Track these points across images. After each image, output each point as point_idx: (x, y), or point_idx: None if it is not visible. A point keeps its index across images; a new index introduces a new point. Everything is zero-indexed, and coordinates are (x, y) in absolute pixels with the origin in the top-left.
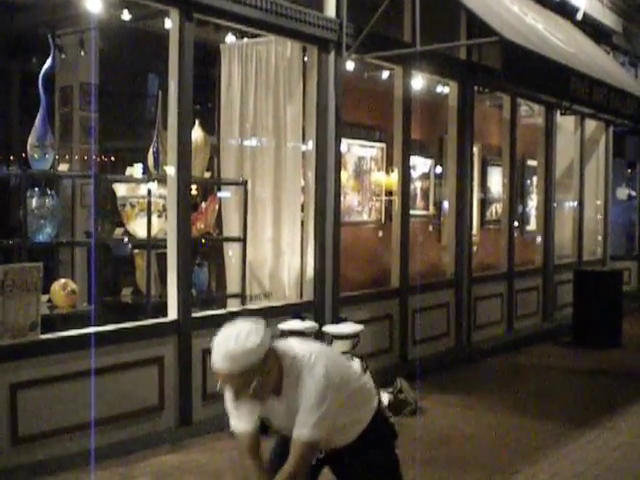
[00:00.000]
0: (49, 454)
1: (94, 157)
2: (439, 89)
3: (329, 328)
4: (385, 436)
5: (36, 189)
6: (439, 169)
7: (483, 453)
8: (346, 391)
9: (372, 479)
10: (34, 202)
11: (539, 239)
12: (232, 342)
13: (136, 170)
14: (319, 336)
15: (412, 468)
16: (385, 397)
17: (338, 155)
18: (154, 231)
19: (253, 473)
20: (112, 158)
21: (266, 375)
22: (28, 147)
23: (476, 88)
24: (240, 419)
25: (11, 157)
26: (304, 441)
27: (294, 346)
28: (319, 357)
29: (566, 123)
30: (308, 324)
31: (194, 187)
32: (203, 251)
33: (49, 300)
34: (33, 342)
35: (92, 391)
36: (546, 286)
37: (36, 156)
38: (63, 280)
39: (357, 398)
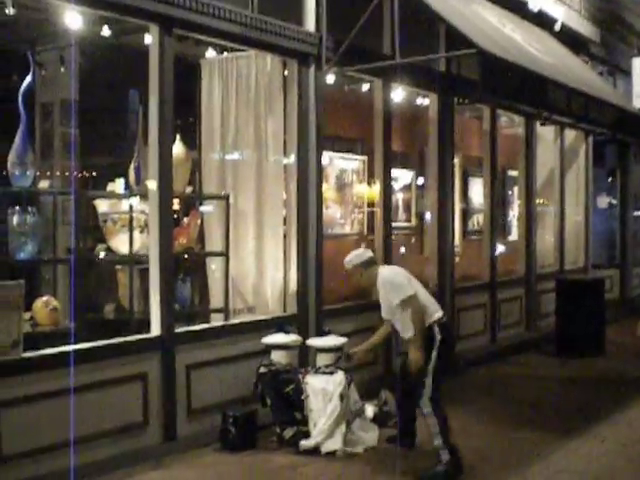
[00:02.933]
0: (34, 472)
1: (75, 173)
2: (419, 101)
3: (313, 341)
4: (430, 340)
5: (17, 207)
6: (421, 181)
7: (466, 464)
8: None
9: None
10: (15, 219)
11: (522, 249)
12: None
13: (118, 185)
14: (303, 349)
15: None
16: (370, 410)
17: (320, 168)
18: (136, 247)
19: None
20: (93, 174)
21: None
22: (8, 164)
23: (456, 100)
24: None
25: None
26: (402, 298)
27: (380, 267)
28: (389, 270)
29: (546, 133)
30: (292, 337)
31: (176, 202)
32: (186, 266)
33: (31, 318)
34: (15, 360)
35: (72, 409)
36: (529, 295)
37: (17, 173)
38: (45, 297)
39: (424, 299)
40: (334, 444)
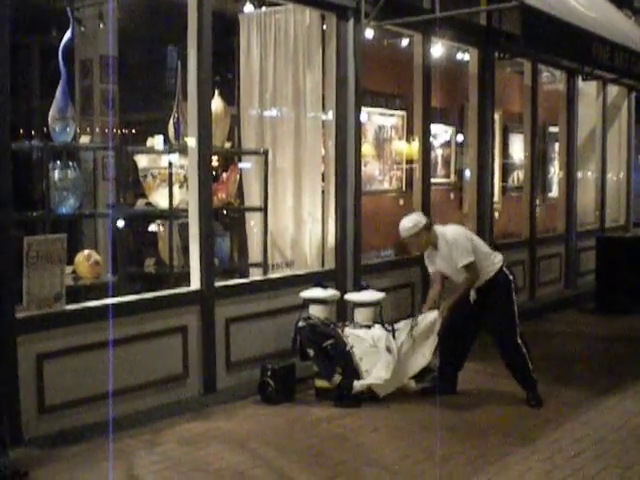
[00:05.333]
0: (75, 423)
1: (114, 129)
2: (459, 56)
3: (351, 296)
4: (505, 282)
5: (58, 162)
6: (460, 137)
7: (506, 419)
8: (473, 246)
9: (494, 305)
10: (56, 174)
11: (562, 206)
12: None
13: (157, 141)
14: (341, 304)
15: (435, 433)
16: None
17: (358, 124)
18: (176, 202)
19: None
20: (133, 130)
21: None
22: (49, 119)
23: (497, 54)
24: (429, 265)
25: (32, 131)
26: (465, 263)
27: (438, 227)
28: (453, 231)
29: (588, 89)
30: (330, 292)
31: (215, 158)
32: (225, 221)
33: (73, 271)
34: (58, 313)
35: (112, 361)
36: (568, 253)
37: (57, 129)
38: (87, 251)
39: (483, 254)
40: (385, 389)
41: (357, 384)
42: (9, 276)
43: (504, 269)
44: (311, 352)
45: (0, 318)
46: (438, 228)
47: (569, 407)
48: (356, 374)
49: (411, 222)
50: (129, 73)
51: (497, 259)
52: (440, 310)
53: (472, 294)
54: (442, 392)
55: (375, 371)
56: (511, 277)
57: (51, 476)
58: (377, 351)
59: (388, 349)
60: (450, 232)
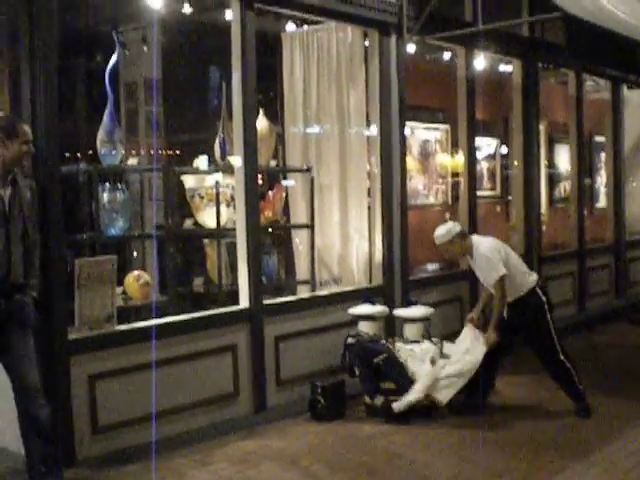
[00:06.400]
0: (128, 443)
1: (159, 150)
2: (502, 67)
3: (399, 312)
4: (536, 303)
5: (107, 184)
6: (505, 149)
7: (558, 434)
8: (506, 262)
9: (527, 325)
10: (105, 196)
11: (610, 216)
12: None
13: (202, 161)
14: (389, 320)
15: (487, 449)
16: None
17: (402, 138)
18: (223, 221)
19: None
20: (178, 151)
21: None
22: (97, 143)
23: (540, 65)
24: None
25: (79, 154)
26: (496, 279)
27: (474, 237)
28: (486, 244)
29: (633, 97)
30: (378, 308)
31: (260, 176)
32: (272, 239)
33: (124, 292)
34: (110, 333)
35: (161, 380)
36: (618, 263)
37: (105, 151)
38: (137, 272)
39: (516, 269)
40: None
41: (395, 405)
42: (61, 298)
43: (537, 290)
44: (357, 370)
45: (53, 339)
46: (475, 238)
47: (621, 420)
48: (411, 386)
49: (444, 230)
50: (173, 94)
51: (531, 279)
52: (486, 339)
53: (505, 310)
54: (472, 409)
55: (415, 386)
56: (544, 298)
57: None
58: (422, 364)
59: (432, 361)
60: (484, 245)
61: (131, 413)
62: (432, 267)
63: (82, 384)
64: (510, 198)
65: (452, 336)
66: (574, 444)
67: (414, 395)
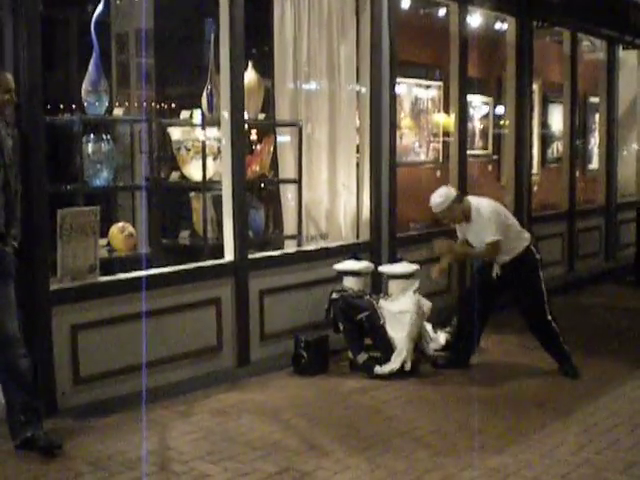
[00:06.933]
0: (110, 394)
1: (150, 102)
2: (497, 25)
3: (385, 268)
4: (531, 261)
5: (92, 135)
6: (498, 107)
7: (540, 392)
8: (505, 223)
9: (520, 283)
10: (90, 147)
11: (602, 177)
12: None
13: (195, 115)
14: (375, 276)
15: (468, 406)
16: (442, 336)
17: (393, 95)
18: (209, 174)
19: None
20: (171, 105)
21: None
22: (82, 93)
23: (535, 23)
24: (459, 234)
25: (71, 106)
26: (491, 241)
27: (471, 198)
28: (486, 205)
29: (629, 58)
30: (364, 264)
31: (250, 130)
32: (259, 193)
33: (108, 244)
34: (92, 284)
35: (144, 332)
36: (608, 225)
37: (90, 101)
38: (121, 224)
39: (513, 230)
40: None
41: (378, 369)
42: (44, 248)
43: (531, 247)
44: (341, 326)
45: (35, 289)
46: (472, 200)
47: (605, 380)
48: (390, 348)
49: (440, 197)
50: (165, 46)
51: (526, 236)
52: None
53: (496, 269)
54: (456, 365)
55: (394, 355)
56: (538, 256)
57: (85, 447)
58: (401, 330)
59: (414, 317)
60: (485, 207)
61: (113, 364)
62: (422, 224)
63: (64, 335)
64: (502, 157)
65: (438, 294)
66: (556, 403)
67: (395, 364)
